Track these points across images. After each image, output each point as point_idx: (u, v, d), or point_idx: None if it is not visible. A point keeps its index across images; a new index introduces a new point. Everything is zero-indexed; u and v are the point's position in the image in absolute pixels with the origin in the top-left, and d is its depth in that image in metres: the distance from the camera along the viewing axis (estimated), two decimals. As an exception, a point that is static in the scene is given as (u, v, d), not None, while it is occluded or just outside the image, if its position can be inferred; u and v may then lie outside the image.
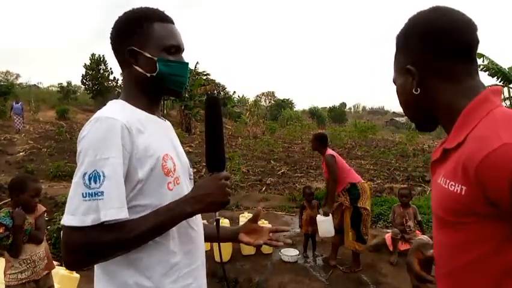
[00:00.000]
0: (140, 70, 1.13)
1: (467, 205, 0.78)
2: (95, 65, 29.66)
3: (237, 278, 4.18)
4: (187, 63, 1.20)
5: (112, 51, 1.20)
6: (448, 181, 0.83)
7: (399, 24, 1.02)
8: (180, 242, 1.11)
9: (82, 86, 31.11)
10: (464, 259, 0.83)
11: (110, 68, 30.15)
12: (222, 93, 34.45)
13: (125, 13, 1.18)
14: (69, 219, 0.94)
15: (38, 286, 2.63)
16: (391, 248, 4.54)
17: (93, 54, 29.92)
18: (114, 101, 1.16)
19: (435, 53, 0.89)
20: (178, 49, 1.18)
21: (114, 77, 30.07)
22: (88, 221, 0.93)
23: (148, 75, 1.13)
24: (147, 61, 1.13)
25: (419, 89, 0.92)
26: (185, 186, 1.20)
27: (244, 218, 4.89)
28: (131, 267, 1.06)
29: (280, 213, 6.58)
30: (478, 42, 0.90)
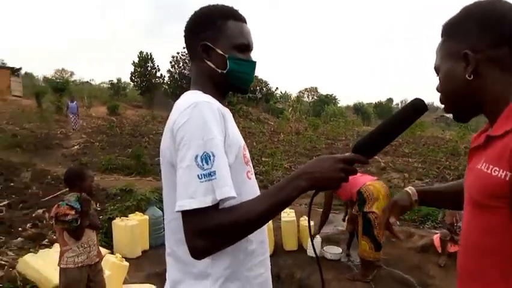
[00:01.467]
0: (211, 65, 1.17)
1: (510, 190, 0.79)
2: (143, 62, 30.69)
3: (279, 273, 4.21)
4: (255, 62, 1.24)
5: (185, 44, 1.25)
6: (491, 166, 0.84)
7: (446, 17, 1.00)
8: (256, 231, 1.09)
9: (131, 82, 32.32)
10: (494, 242, 0.85)
11: (157, 66, 31.11)
12: (264, 89, 34.53)
13: (201, 9, 1.22)
14: (190, 202, 0.95)
15: (91, 270, 2.80)
16: (439, 250, 4.36)
17: (141, 52, 30.97)
18: (192, 91, 1.20)
19: (494, 40, 0.88)
20: (248, 48, 1.21)
21: (161, 74, 31.01)
22: (209, 201, 0.94)
23: (219, 71, 1.17)
24: (218, 57, 1.16)
25: (472, 76, 0.90)
26: (255, 179, 1.23)
27: (286, 214, 4.90)
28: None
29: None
30: None
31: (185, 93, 1.19)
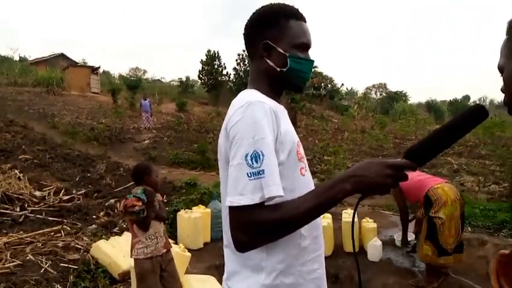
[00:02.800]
0: (271, 64, 1.20)
1: None
2: (211, 60, 31.62)
3: (337, 274, 4.13)
4: (313, 61, 1.26)
5: (245, 42, 1.28)
6: None
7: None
8: (309, 226, 1.12)
9: (199, 80, 33.48)
10: None
11: (224, 63, 31.90)
12: (329, 85, 33.89)
13: (263, 7, 1.25)
14: (239, 199, 1.00)
15: (162, 260, 2.96)
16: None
17: (209, 51, 31.93)
18: (248, 89, 1.23)
19: None
20: (307, 47, 1.23)
21: (227, 72, 31.74)
22: (257, 199, 0.98)
23: (278, 69, 1.19)
24: (279, 56, 1.19)
25: None
26: (310, 175, 1.25)
27: (347, 214, 4.79)
28: (264, 249, 1.09)
29: (387, 212, 6.26)
30: None
31: (241, 91, 1.23)
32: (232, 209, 1.02)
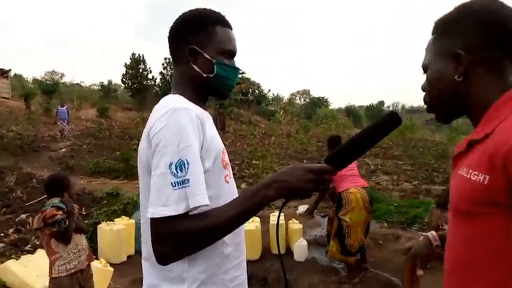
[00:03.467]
0: (197, 69, 1.17)
1: (489, 194, 0.77)
2: (135, 64, 30.53)
3: (266, 277, 4.18)
4: (239, 69, 1.27)
5: (169, 45, 1.24)
6: (471, 171, 0.81)
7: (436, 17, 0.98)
8: (232, 233, 1.10)
9: (122, 84, 32.09)
10: (482, 251, 0.82)
11: (149, 68, 30.96)
12: (256, 91, 34.55)
13: (190, 11, 1.22)
14: (162, 210, 0.96)
15: (82, 276, 2.74)
16: (426, 252, 4.36)
17: (133, 54, 30.81)
18: (171, 95, 1.18)
19: (488, 41, 0.86)
20: (233, 54, 1.23)
21: (153, 76, 30.85)
22: (181, 209, 0.95)
23: (204, 75, 1.17)
24: (205, 62, 1.16)
25: (462, 77, 0.88)
26: (234, 182, 1.24)
27: (275, 216, 4.87)
28: (185, 260, 1.06)
29: (311, 213, 6.50)
30: None
31: (165, 97, 1.18)
32: (155, 221, 0.98)
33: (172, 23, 1.23)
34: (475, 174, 0.79)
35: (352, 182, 4.02)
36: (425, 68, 0.98)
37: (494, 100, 0.85)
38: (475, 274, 0.83)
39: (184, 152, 0.98)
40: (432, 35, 0.98)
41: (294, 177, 1.01)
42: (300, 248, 4.54)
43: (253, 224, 4.50)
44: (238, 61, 1.26)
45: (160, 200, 0.96)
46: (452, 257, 0.91)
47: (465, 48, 0.87)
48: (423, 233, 4.81)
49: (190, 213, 0.98)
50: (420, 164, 11.75)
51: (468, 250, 0.85)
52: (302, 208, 4.92)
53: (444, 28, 0.94)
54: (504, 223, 0.77)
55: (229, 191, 1.16)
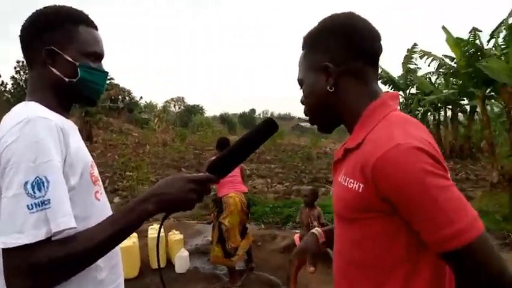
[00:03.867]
0: (56, 73, 1.03)
1: (365, 202, 0.83)
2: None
3: (146, 294, 3.96)
4: (107, 73, 1.14)
5: (22, 46, 1.06)
6: (348, 179, 0.88)
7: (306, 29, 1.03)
8: (106, 256, 0.97)
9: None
10: (363, 255, 0.88)
11: (-3, 71, 26.84)
12: (127, 98, 32.90)
13: (46, 8, 1.06)
14: (17, 238, 0.80)
15: None
16: (300, 248, 4.69)
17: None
18: (26, 102, 1.02)
19: (352, 53, 0.93)
20: (100, 57, 1.12)
21: (2, 81, 26.83)
22: (41, 235, 0.81)
23: (67, 79, 1.04)
24: (67, 64, 1.04)
25: (333, 88, 0.94)
26: (106, 198, 1.12)
27: (154, 230, 4.67)
28: None
29: (192, 222, 6.43)
30: (382, 50, 0.97)
31: (17, 105, 1.00)
32: (8, 251, 0.82)
33: (25, 21, 1.06)
34: (351, 182, 0.86)
35: (231, 187, 4.14)
36: (301, 83, 1.03)
37: (364, 109, 0.92)
38: (362, 276, 0.89)
39: (42, 168, 0.85)
40: (303, 49, 1.03)
41: (174, 189, 0.95)
42: (181, 259, 4.43)
43: (130, 240, 4.22)
44: (105, 65, 1.14)
45: (13, 227, 0.81)
46: (341, 259, 0.96)
47: (332, 61, 0.93)
48: (297, 231, 5.19)
49: (53, 239, 0.84)
50: (290, 166, 12.70)
51: (354, 253, 0.90)
52: None
53: (312, 43, 0.99)
54: (384, 228, 0.84)
55: (101, 209, 1.05)
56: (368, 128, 0.88)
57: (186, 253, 4.50)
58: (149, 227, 4.83)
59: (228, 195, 4.08)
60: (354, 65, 0.93)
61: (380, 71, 17.31)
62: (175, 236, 4.76)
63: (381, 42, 0.97)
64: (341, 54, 0.93)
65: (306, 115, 1.06)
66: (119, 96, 30.80)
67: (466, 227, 0.73)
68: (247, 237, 4.32)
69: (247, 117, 48.03)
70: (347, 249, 0.93)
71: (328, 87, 0.93)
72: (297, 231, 5.09)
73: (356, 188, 0.84)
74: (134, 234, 4.49)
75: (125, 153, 14.94)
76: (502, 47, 8.73)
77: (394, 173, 0.76)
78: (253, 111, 58.45)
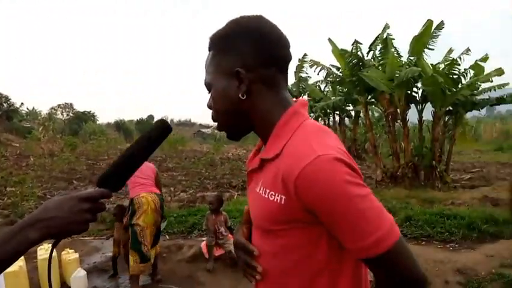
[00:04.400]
0: None
1: (287, 213, 0.83)
2: None
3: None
4: None
5: None
6: (267, 191, 0.86)
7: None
8: None
9: None
10: (284, 263, 0.88)
11: None
12: (5, 105, 29.20)
13: None
14: None
15: None
16: (207, 256, 4.66)
17: None
18: None
19: (265, 59, 0.90)
20: None
21: None
22: None
23: None
24: None
25: (245, 95, 0.90)
26: None
27: (44, 250, 4.19)
28: None
29: (87, 238, 5.92)
30: (291, 57, 0.96)
31: None
32: None
33: None
34: (272, 194, 0.85)
35: (143, 189, 3.99)
36: (209, 87, 0.97)
37: (277, 119, 0.90)
38: (282, 284, 0.90)
39: None
40: (210, 51, 0.97)
41: (64, 211, 0.83)
42: (78, 280, 4.05)
43: (15, 264, 3.72)
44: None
45: None
46: (263, 268, 0.93)
47: (244, 67, 0.89)
48: (203, 239, 5.14)
49: None
50: (193, 173, 12.54)
51: (275, 262, 0.90)
52: None
53: (222, 45, 0.93)
54: (305, 236, 0.85)
55: None
56: (284, 138, 0.87)
57: (83, 273, 4.13)
58: (38, 248, 4.33)
59: (140, 195, 3.91)
60: (266, 72, 0.91)
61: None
62: (70, 255, 4.34)
63: (290, 50, 0.96)
64: (253, 60, 0.90)
65: (214, 121, 1.01)
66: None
67: (386, 233, 0.77)
68: (156, 247, 4.15)
69: (145, 124, 46.12)
70: (267, 259, 0.92)
71: (240, 94, 0.90)
72: (203, 239, 5.05)
73: (278, 200, 0.83)
74: (22, 257, 3.98)
75: (5, 166, 13.22)
76: (379, 58, 9.85)
77: (317, 185, 0.77)
78: (151, 117, 56.28)
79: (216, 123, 1.01)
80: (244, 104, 0.91)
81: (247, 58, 0.90)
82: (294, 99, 0.97)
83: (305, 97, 17.96)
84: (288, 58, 0.96)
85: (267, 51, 0.91)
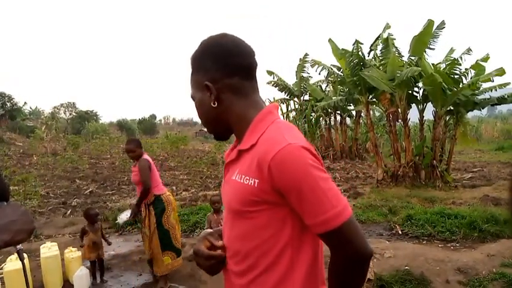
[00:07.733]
0: None
1: (259, 195, 0.96)
2: None
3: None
4: None
5: None
6: (243, 176, 0.99)
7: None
8: None
9: None
10: (254, 242, 1.00)
11: None
12: (8, 104, 29.32)
13: None
14: None
15: None
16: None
17: None
18: None
19: (227, 71, 1.05)
20: None
21: None
22: None
23: None
24: None
25: (216, 103, 1.06)
26: None
27: (47, 248, 4.24)
28: None
29: (90, 236, 5.96)
30: (256, 64, 1.11)
31: None
32: None
33: None
34: (247, 178, 0.98)
35: (163, 187, 4.12)
36: (193, 99, 1.15)
37: (251, 119, 1.05)
38: (252, 263, 1.02)
39: None
40: (191, 69, 1.14)
41: (17, 216, 0.92)
42: (81, 278, 4.09)
43: (15, 264, 3.74)
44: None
45: None
46: (232, 249, 1.07)
47: (210, 80, 1.05)
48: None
49: None
50: (195, 172, 12.58)
51: (245, 242, 1.02)
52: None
53: (194, 64, 1.11)
54: (273, 216, 0.98)
55: None
56: (259, 131, 1.01)
57: (85, 271, 4.17)
58: (41, 246, 4.38)
59: (166, 193, 4.04)
60: (230, 81, 1.05)
61: (276, 79, 18.35)
62: (72, 253, 4.38)
63: (254, 58, 1.10)
64: (217, 73, 1.05)
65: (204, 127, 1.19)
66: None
67: (342, 210, 0.91)
68: None
69: (147, 123, 46.20)
70: (237, 240, 1.05)
71: (212, 103, 1.06)
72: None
73: (252, 184, 0.96)
74: (24, 256, 4.02)
75: (9, 165, 13.30)
76: (380, 58, 9.86)
77: (288, 166, 0.91)
78: (153, 116, 56.31)
79: None
80: (218, 110, 1.08)
81: (212, 72, 1.06)
82: (268, 103, 1.16)
83: (306, 97, 18.00)
84: (252, 66, 1.10)
85: (228, 64, 1.05)
